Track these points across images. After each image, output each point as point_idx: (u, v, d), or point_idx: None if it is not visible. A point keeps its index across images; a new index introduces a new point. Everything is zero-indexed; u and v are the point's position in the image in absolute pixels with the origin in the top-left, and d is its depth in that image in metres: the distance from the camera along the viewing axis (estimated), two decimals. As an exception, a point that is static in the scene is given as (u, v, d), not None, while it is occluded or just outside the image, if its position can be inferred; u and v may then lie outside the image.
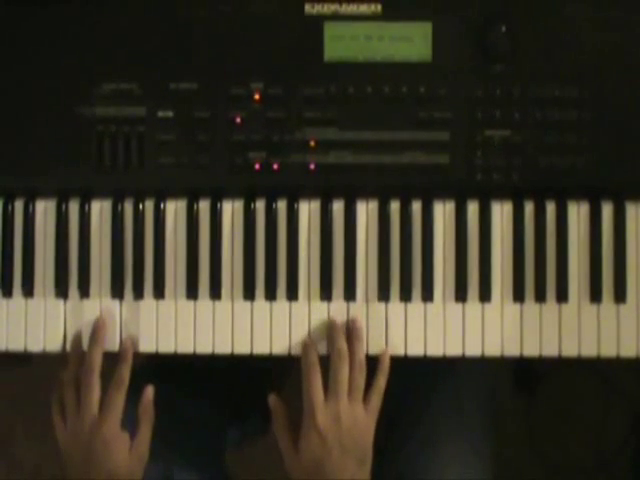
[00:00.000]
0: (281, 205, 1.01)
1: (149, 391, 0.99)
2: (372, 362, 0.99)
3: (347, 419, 0.95)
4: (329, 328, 0.99)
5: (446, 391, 1.12)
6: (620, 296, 0.99)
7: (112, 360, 0.99)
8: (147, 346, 1.01)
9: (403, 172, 1.00)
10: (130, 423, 0.99)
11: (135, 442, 0.98)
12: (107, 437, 0.95)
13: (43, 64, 1.00)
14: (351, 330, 0.99)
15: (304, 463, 0.95)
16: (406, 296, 1.00)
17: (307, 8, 0.99)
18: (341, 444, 0.94)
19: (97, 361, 0.97)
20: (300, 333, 1.01)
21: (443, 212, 1.01)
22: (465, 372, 1.12)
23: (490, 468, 1.09)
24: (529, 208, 1.01)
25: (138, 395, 0.99)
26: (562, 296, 1.00)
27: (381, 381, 0.98)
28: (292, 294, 1.01)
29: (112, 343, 1.01)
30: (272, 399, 1.00)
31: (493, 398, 1.15)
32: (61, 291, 1.02)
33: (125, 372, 0.98)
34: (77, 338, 1.01)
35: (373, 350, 1.00)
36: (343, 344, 0.97)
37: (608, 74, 0.98)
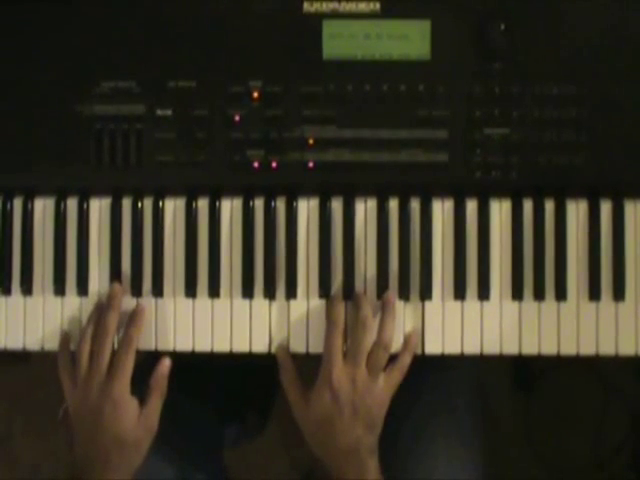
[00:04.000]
0: (280, 203, 1.01)
1: (165, 363, 0.99)
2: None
3: (362, 386, 0.95)
4: (354, 297, 0.99)
5: (438, 388, 1.12)
6: (619, 294, 0.99)
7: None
8: (145, 344, 1.01)
9: (402, 170, 0.99)
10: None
11: (144, 411, 0.98)
12: (116, 398, 0.95)
13: (42, 62, 1.00)
14: (384, 304, 0.98)
15: (314, 416, 0.96)
16: (404, 294, 1.00)
17: (306, 6, 0.99)
18: (353, 406, 0.95)
19: (112, 325, 0.97)
20: (299, 331, 1.01)
21: (442, 210, 1.01)
22: (457, 369, 1.12)
23: (482, 466, 1.09)
24: (528, 206, 1.00)
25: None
26: (561, 294, 1.00)
27: (406, 358, 0.98)
28: (291, 292, 1.01)
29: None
30: (280, 351, 0.99)
31: (485, 395, 1.15)
32: (60, 289, 1.02)
33: (134, 334, 0.98)
34: (98, 307, 1.01)
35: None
36: (369, 313, 0.96)
37: (607, 72, 0.98)
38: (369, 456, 0.97)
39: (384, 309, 0.98)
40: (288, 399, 0.99)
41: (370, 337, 0.96)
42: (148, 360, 1.00)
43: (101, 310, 1.00)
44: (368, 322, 0.96)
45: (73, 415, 0.99)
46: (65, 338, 1.01)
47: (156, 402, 0.98)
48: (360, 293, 0.99)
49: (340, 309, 0.98)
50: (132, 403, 0.97)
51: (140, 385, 0.99)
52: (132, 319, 1.00)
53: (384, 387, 0.96)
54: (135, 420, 0.97)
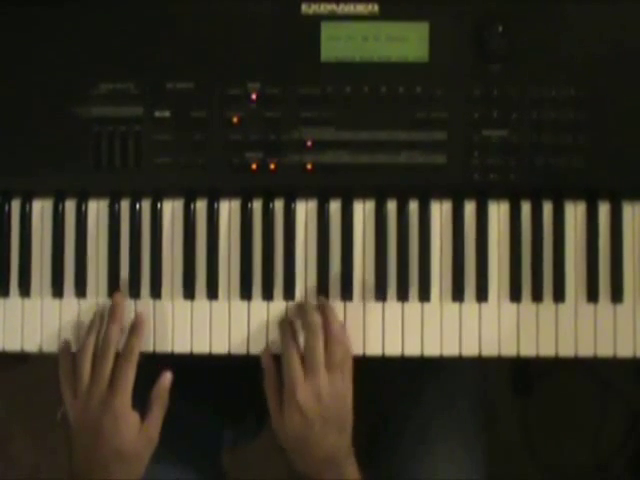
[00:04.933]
0: (278, 205, 1.01)
1: (167, 377, 0.99)
2: (371, 363, 1.00)
3: (327, 393, 0.95)
4: (296, 307, 0.99)
5: (438, 389, 1.12)
6: (617, 296, 0.99)
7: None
8: (144, 346, 1.00)
9: (400, 172, 1.00)
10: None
11: (145, 423, 0.97)
12: (117, 411, 0.95)
13: (40, 64, 1.00)
14: (320, 306, 0.98)
15: (290, 433, 0.96)
16: (403, 296, 1.00)
17: (304, 8, 0.99)
18: (322, 417, 0.95)
19: (114, 337, 0.97)
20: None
21: (440, 212, 1.01)
22: (457, 370, 1.12)
23: (483, 467, 1.09)
24: (526, 208, 1.00)
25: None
26: (559, 296, 1.00)
27: (338, 349, 0.96)
28: (289, 293, 1.01)
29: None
30: (265, 356, 0.99)
31: (485, 396, 1.15)
32: (58, 291, 1.02)
33: (136, 345, 0.98)
34: (99, 316, 1.00)
35: (370, 350, 1.00)
36: (315, 317, 0.96)
37: (605, 74, 0.98)
38: (345, 458, 0.97)
39: (323, 309, 0.97)
40: (268, 405, 0.98)
41: (322, 340, 0.96)
42: (149, 367, 0.99)
43: (102, 318, 0.99)
44: (315, 326, 0.96)
45: (73, 425, 0.98)
46: (65, 346, 1.00)
47: (157, 415, 0.98)
48: (302, 301, 1.00)
49: (290, 332, 0.98)
50: (133, 416, 0.96)
51: (141, 393, 0.98)
52: (133, 330, 0.99)
53: (344, 382, 0.96)
54: (136, 433, 0.96)
